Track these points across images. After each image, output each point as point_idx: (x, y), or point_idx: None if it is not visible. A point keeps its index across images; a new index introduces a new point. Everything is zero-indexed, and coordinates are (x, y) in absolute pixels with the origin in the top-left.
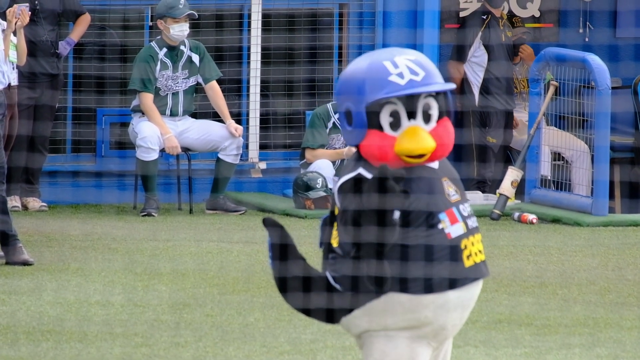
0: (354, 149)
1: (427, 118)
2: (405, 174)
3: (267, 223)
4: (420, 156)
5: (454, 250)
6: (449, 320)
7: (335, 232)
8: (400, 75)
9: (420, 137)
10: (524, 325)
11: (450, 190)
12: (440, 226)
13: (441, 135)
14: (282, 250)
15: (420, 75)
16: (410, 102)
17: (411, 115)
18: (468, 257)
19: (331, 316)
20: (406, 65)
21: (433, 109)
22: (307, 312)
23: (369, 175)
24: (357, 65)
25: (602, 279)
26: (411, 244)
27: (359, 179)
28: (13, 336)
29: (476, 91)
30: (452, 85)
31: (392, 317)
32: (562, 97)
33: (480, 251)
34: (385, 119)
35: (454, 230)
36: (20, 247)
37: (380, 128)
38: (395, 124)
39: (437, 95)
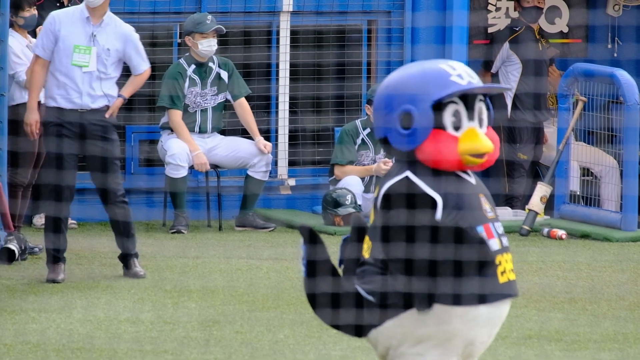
0: (383, 166)
1: (480, 122)
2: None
3: (302, 232)
4: (482, 156)
5: (491, 265)
6: (478, 335)
7: (368, 244)
8: (460, 76)
9: (482, 137)
10: (554, 341)
11: (487, 206)
12: (482, 237)
13: (493, 139)
14: (315, 266)
15: (475, 78)
16: (470, 103)
17: (470, 117)
18: (502, 273)
19: (360, 329)
20: (462, 69)
21: (484, 114)
22: (336, 325)
23: (416, 180)
24: (410, 71)
25: (632, 295)
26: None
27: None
28: (43, 354)
29: (509, 102)
30: (509, 86)
31: (424, 327)
32: (590, 113)
33: (512, 270)
34: (448, 119)
35: (491, 244)
36: (59, 265)
37: (443, 128)
38: (457, 124)
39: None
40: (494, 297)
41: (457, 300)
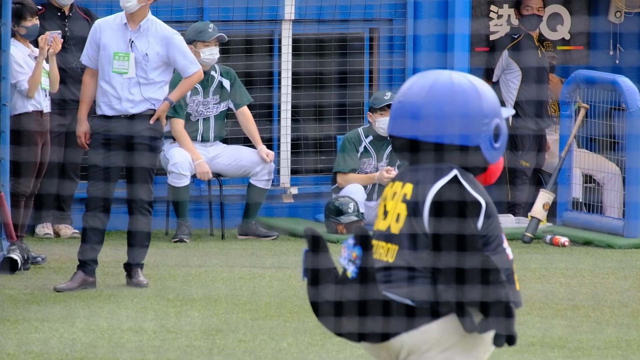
0: (385, 174)
1: None
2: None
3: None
4: None
5: (512, 272)
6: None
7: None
8: None
9: None
10: (557, 348)
11: None
12: (504, 245)
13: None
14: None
15: None
16: None
17: None
18: (517, 280)
19: (362, 335)
20: None
21: None
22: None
23: (463, 180)
24: (482, 84)
25: (635, 301)
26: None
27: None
28: None
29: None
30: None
31: (456, 334)
32: (592, 120)
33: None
34: None
35: (510, 252)
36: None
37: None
38: None
39: None
40: (517, 305)
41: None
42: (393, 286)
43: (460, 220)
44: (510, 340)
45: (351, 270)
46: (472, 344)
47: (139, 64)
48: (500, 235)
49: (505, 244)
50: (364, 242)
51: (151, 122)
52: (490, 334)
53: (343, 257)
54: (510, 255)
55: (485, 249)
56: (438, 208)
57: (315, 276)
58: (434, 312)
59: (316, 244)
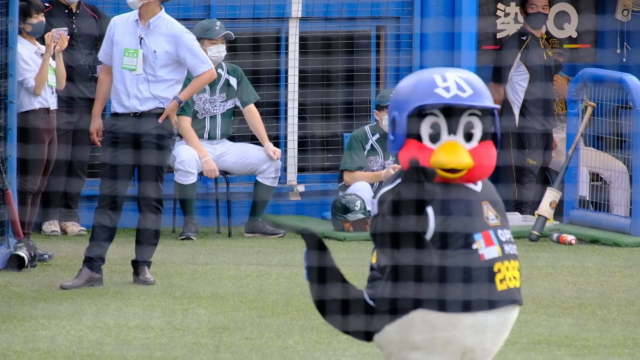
0: (392, 171)
1: (468, 137)
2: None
3: (304, 236)
4: (454, 171)
5: (486, 272)
6: (478, 342)
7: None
8: (447, 89)
9: (457, 152)
10: (564, 346)
11: (490, 214)
12: (474, 246)
13: (481, 155)
14: (320, 273)
15: (467, 92)
16: (453, 118)
17: (452, 131)
18: (501, 280)
19: (369, 333)
20: (455, 81)
21: (476, 129)
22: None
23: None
24: (410, 77)
25: None
26: (444, 263)
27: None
28: None
29: (516, 111)
30: (494, 105)
31: (419, 334)
32: (599, 118)
33: (515, 277)
34: (425, 130)
35: (488, 252)
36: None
37: (420, 139)
38: (435, 137)
39: (483, 116)
40: (490, 304)
41: (442, 306)
42: (370, 286)
43: (389, 218)
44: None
45: (304, 273)
46: (440, 343)
47: (147, 60)
48: (469, 234)
49: (481, 244)
50: (306, 240)
51: (160, 120)
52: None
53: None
54: (489, 255)
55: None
56: (379, 208)
57: (314, 274)
58: (392, 311)
59: (315, 243)
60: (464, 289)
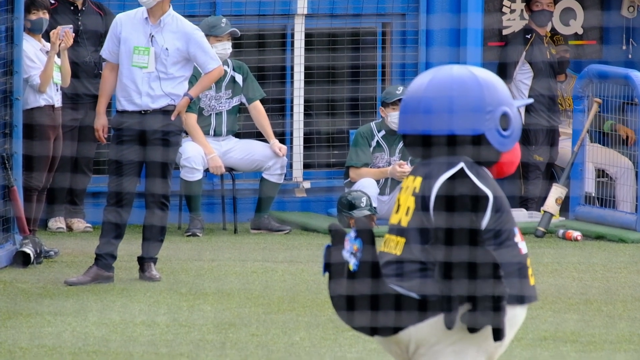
0: (398, 168)
1: None
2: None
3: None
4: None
5: (525, 266)
6: (509, 336)
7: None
8: None
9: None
10: (569, 342)
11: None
12: (516, 239)
13: (518, 152)
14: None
15: None
16: None
17: None
18: (532, 275)
19: (375, 328)
20: None
21: None
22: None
23: (470, 173)
24: (490, 74)
25: None
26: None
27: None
28: (59, 357)
29: (522, 109)
30: (528, 101)
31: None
32: (605, 114)
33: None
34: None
35: (523, 246)
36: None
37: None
38: None
39: None
40: (528, 299)
41: (520, 300)
42: (400, 279)
43: (463, 213)
44: (496, 334)
45: (352, 263)
46: (483, 337)
47: (158, 58)
48: (511, 229)
49: (518, 238)
50: (364, 235)
51: (172, 117)
52: (508, 330)
53: (345, 249)
54: (524, 249)
55: (493, 242)
56: (442, 201)
57: (337, 271)
58: (441, 305)
59: (340, 240)
60: (515, 284)
